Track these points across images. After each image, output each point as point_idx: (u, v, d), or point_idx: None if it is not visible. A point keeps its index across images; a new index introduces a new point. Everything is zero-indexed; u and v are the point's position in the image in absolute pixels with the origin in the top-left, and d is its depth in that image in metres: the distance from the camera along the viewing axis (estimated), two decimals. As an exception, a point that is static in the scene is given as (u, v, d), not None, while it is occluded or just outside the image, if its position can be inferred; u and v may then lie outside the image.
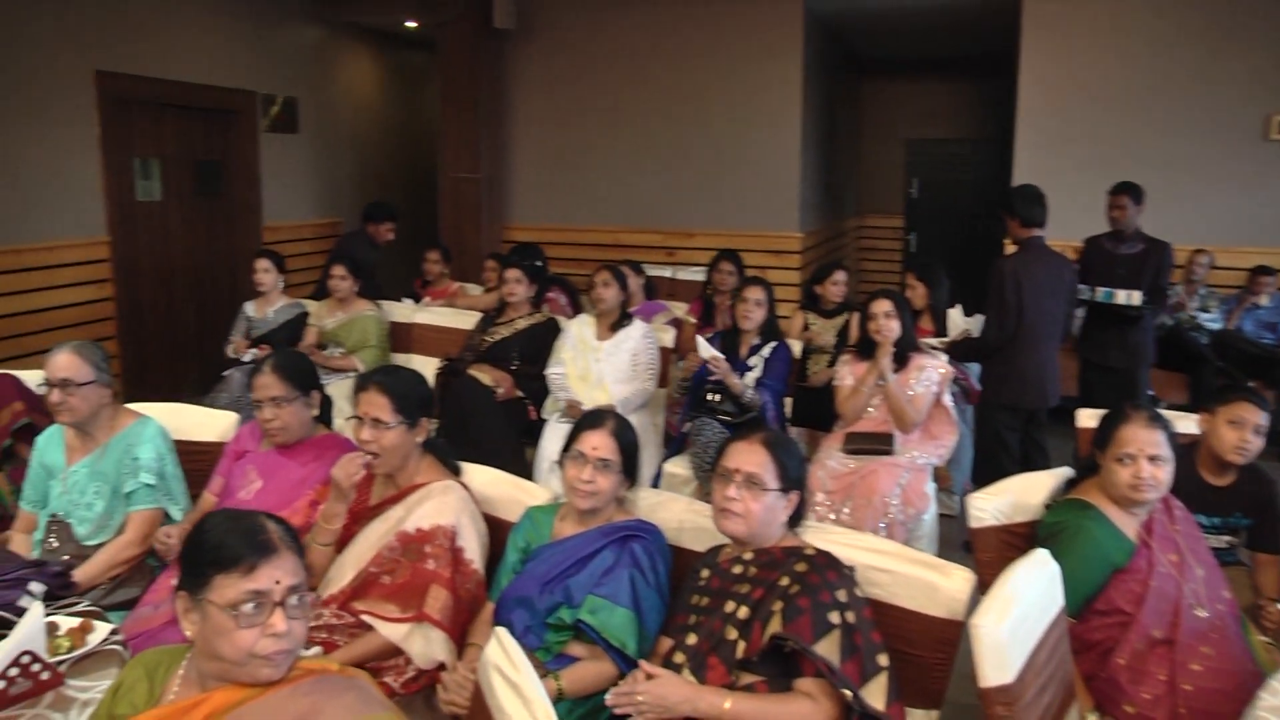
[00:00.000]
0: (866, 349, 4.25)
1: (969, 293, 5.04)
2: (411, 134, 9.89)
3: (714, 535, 2.38)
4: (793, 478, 2.29)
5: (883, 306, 4.17)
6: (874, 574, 2.28)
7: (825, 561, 2.19)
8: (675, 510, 2.63)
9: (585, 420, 2.57)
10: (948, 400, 4.28)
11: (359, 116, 8.97)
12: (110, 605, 2.88)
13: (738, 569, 2.27)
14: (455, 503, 2.59)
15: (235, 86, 7.27)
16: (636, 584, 2.37)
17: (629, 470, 2.52)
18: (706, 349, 4.34)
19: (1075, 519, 2.57)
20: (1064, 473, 2.86)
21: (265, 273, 5.54)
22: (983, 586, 2.39)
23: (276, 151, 7.73)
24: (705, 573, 2.34)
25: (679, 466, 4.51)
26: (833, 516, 3.94)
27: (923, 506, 3.98)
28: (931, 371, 4.20)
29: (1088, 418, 3.45)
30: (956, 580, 2.21)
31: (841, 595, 2.11)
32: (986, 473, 4.70)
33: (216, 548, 1.56)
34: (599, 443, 2.46)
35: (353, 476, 2.57)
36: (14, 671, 1.98)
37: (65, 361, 2.92)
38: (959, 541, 4.38)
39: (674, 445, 4.70)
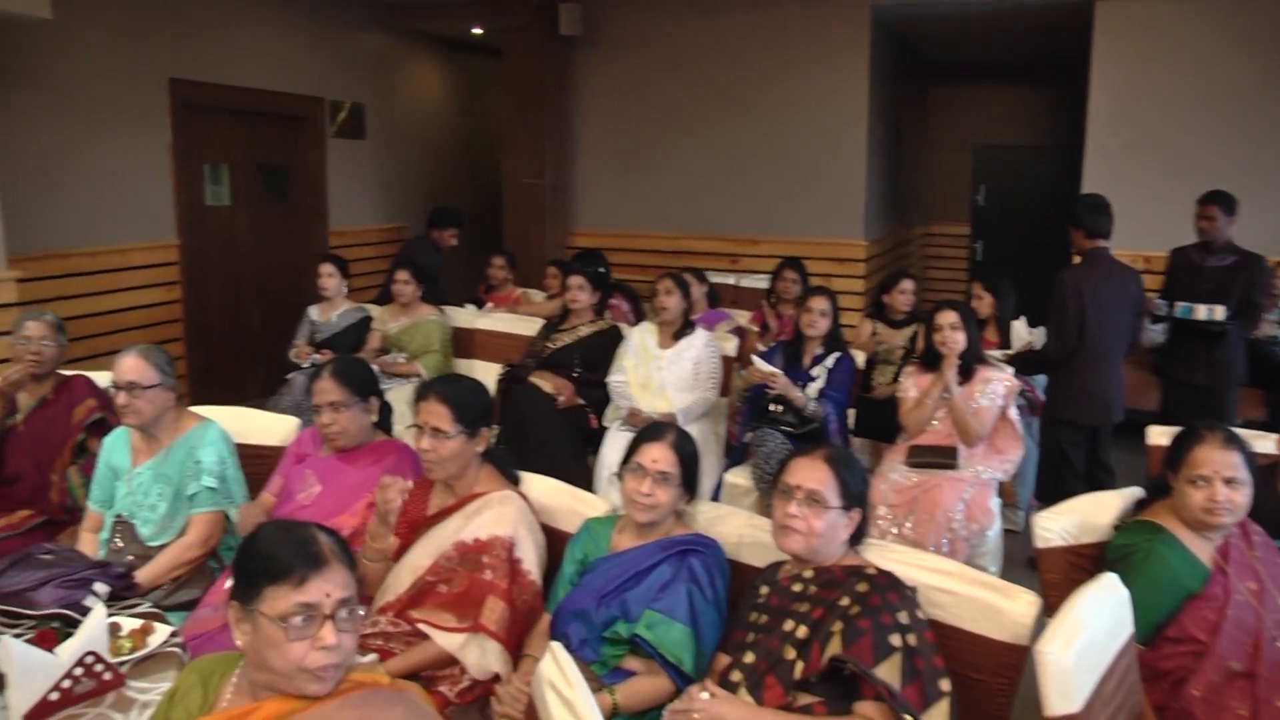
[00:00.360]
0: (931, 360, 4.17)
1: (1036, 304, 4.91)
2: (476, 139, 9.96)
3: (774, 551, 2.34)
4: (855, 495, 2.24)
5: (948, 318, 4.08)
6: (936, 594, 2.22)
7: (887, 582, 2.14)
8: (735, 524, 2.59)
9: (645, 432, 2.54)
10: (1013, 414, 4.18)
11: (425, 122, 9.06)
12: (171, 606, 2.91)
13: (797, 587, 2.22)
14: (513, 513, 2.57)
15: (304, 93, 7.39)
16: (694, 599, 2.33)
17: (689, 483, 2.49)
18: (764, 365, 4.31)
19: (1145, 541, 2.48)
20: (1133, 493, 2.77)
21: (329, 277, 5.58)
22: (1048, 608, 2.32)
23: (343, 157, 7.83)
24: (764, 590, 2.30)
25: (740, 477, 4.46)
26: (895, 531, 3.87)
27: (987, 522, 3.89)
28: (997, 384, 4.11)
29: (1159, 435, 3.33)
30: (1021, 603, 2.15)
31: (903, 617, 2.05)
32: (1051, 489, 4.61)
33: (268, 559, 1.56)
34: (659, 455, 2.43)
35: (391, 503, 2.56)
36: (79, 671, 2.02)
37: (131, 365, 2.95)
38: (1023, 558, 4.26)
39: (735, 455, 4.65)
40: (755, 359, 4.39)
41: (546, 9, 7.40)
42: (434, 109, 9.27)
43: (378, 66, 8.26)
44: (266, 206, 7.38)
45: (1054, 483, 4.62)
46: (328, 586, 1.55)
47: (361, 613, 1.61)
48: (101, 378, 3.91)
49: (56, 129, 5.57)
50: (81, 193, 5.75)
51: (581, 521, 2.67)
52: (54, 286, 5.57)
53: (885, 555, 2.33)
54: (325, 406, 2.95)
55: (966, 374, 4.10)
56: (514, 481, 2.77)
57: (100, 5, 5.73)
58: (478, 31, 8.67)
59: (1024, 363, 4.80)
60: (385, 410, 3.12)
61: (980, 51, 9.70)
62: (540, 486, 2.84)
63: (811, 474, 2.22)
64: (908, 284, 5.52)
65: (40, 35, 5.28)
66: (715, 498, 4.48)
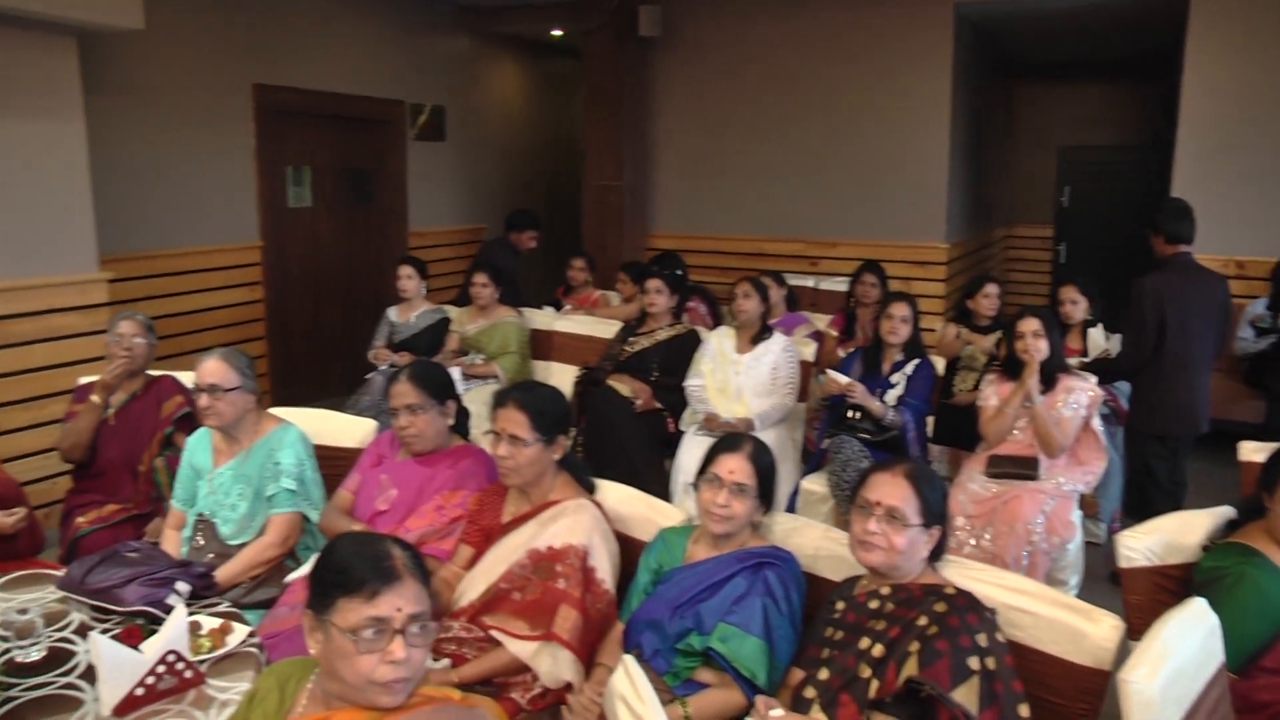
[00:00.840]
0: (1013, 368, 4.07)
1: (1120, 308, 4.76)
2: (555, 140, 10.01)
3: (850, 564, 2.30)
4: (935, 513, 2.19)
5: (1031, 325, 3.98)
6: (1015, 615, 2.16)
7: (965, 603, 2.08)
8: (811, 537, 2.54)
9: (722, 443, 2.51)
10: (1097, 424, 4.06)
11: (504, 123, 9.13)
12: (249, 604, 2.96)
13: (874, 604, 2.18)
14: (588, 522, 2.56)
15: (385, 96, 7.49)
16: (769, 613, 2.30)
17: (765, 495, 2.46)
18: (840, 377, 4.26)
19: (1237, 565, 2.38)
20: (1224, 512, 2.67)
21: (408, 279, 5.64)
22: (1132, 630, 2.26)
23: (423, 159, 7.92)
24: (840, 605, 2.26)
25: (817, 484, 4.41)
26: (973, 542, 3.79)
27: (1068, 535, 3.79)
28: (1080, 394, 3.99)
29: (1253, 451, 3.20)
30: (1104, 627, 2.07)
31: (982, 640, 2.00)
32: (1135, 502, 4.52)
33: (342, 571, 1.57)
34: (735, 466, 2.40)
35: None
36: (162, 669, 2.06)
37: (213, 367, 3.00)
38: (1104, 573, 4.18)
39: (812, 461, 4.60)
40: (830, 371, 4.33)
41: (626, 10, 7.40)
42: (513, 110, 9.33)
43: (458, 69, 8.34)
44: (347, 208, 7.50)
45: (1139, 496, 4.50)
46: (399, 601, 1.55)
47: (434, 626, 1.60)
48: (187, 377, 4.01)
49: (146, 135, 5.73)
50: (169, 196, 5.91)
51: (656, 530, 2.65)
52: (142, 286, 5.74)
53: (964, 573, 2.27)
54: (402, 409, 2.97)
55: (1049, 383, 3.99)
56: (589, 489, 2.76)
57: (189, 16, 5.88)
58: (557, 33, 8.70)
59: (1100, 370, 4.66)
60: (462, 414, 3.13)
61: (1068, 48, 9.48)
62: (615, 494, 2.83)
63: (892, 490, 2.18)
64: (992, 288, 5.39)
65: (132, 46, 5.44)
66: (792, 504, 4.44)
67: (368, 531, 1.81)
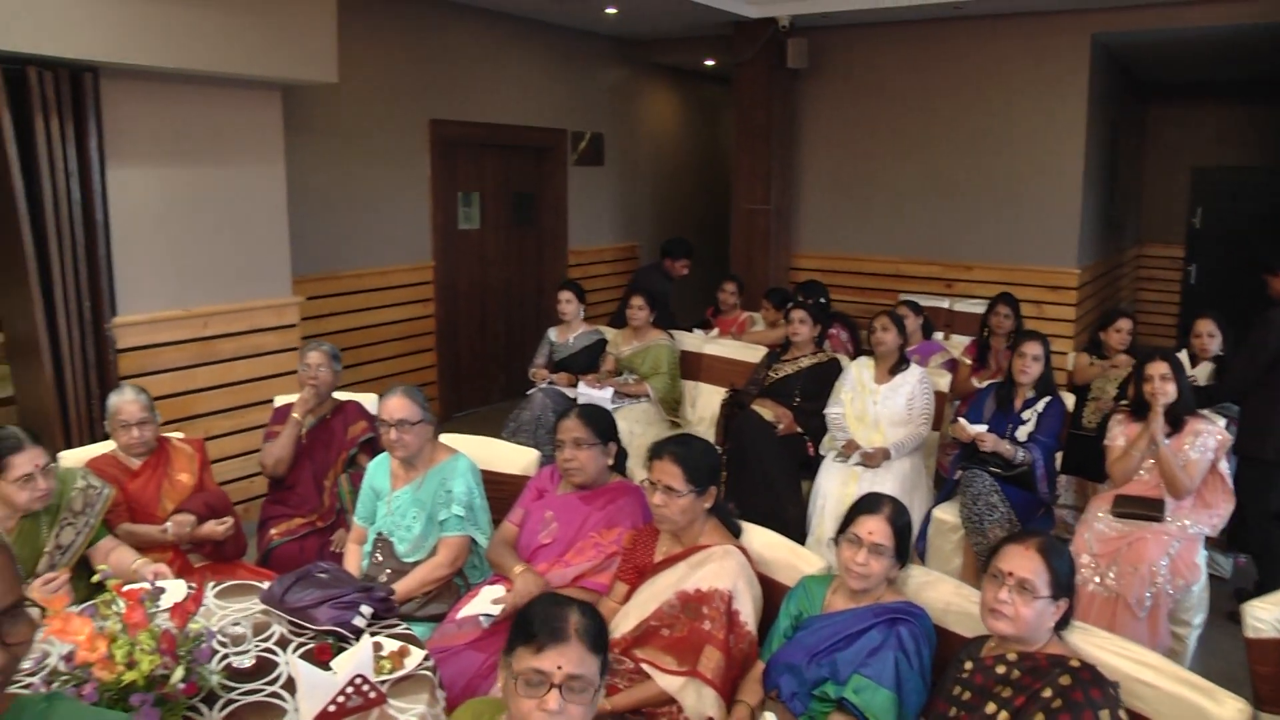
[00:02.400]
0: (1140, 409, 4.04)
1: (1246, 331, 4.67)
2: (704, 162, 10.23)
3: (979, 621, 2.40)
4: (1063, 585, 2.27)
5: (1159, 369, 3.95)
6: (1138, 687, 2.21)
7: (1090, 677, 2.15)
8: (943, 591, 2.66)
9: (863, 504, 2.66)
10: (1224, 468, 3.99)
11: (656, 147, 9.41)
12: (422, 617, 3.26)
13: (1001, 669, 2.27)
14: (734, 568, 2.73)
15: (549, 125, 7.86)
16: (900, 667, 2.43)
17: (901, 553, 2.59)
18: (970, 427, 4.33)
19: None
20: None
21: (567, 303, 5.93)
22: (1259, 701, 2.26)
23: (582, 183, 8.27)
24: (968, 665, 2.35)
25: (948, 513, 4.49)
26: (1096, 580, 3.78)
27: (1192, 579, 3.76)
28: (1208, 437, 3.93)
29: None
30: (1228, 710, 2.09)
31: (1105, 716, 2.07)
32: (1246, 536, 4.52)
33: (525, 623, 1.79)
34: (875, 528, 2.55)
35: None
36: (350, 690, 2.32)
37: (398, 404, 3.30)
38: (1226, 610, 4.17)
39: (945, 490, 4.65)
40: (962, 420, 4.42)
41: (775, 43, 7.55)
42: (665, 134, 9.60)
43: (616, 98, 8.66)
44: (512, 229, 7.89)
45: (1243, 524, 4.46)
46: (561, 659, 1.73)
47: (597, 691, 1.78)
48: (368, 400, 4.39)
49: (334, 168, 6.22)
50: (353, 222, 6.40)
51: (798, 575, 2.81)
52: (328, 304, 6.25)
53: (1089, 640, 2.34)
54: (569, 442, 3.21)
55: (1176, 425, 3.96)
56: (736, 533, 2.93)
57: (374, 64, 6.38)
58: (710, 63, 8.92)
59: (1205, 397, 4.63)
60: (621, 455, 3.35)
61: (1203, 69, 9.23)
62: (761, 539, 2.99)
63: (1024, 563, 2.27)
64: (1125, 323, 5.36)
65: (326, 94, 5.92)
66: (923, 532, 4.52)
67: (560, 594, 2.04)
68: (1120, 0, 6.61)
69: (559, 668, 1.72)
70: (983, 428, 4.36)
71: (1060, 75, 7.08)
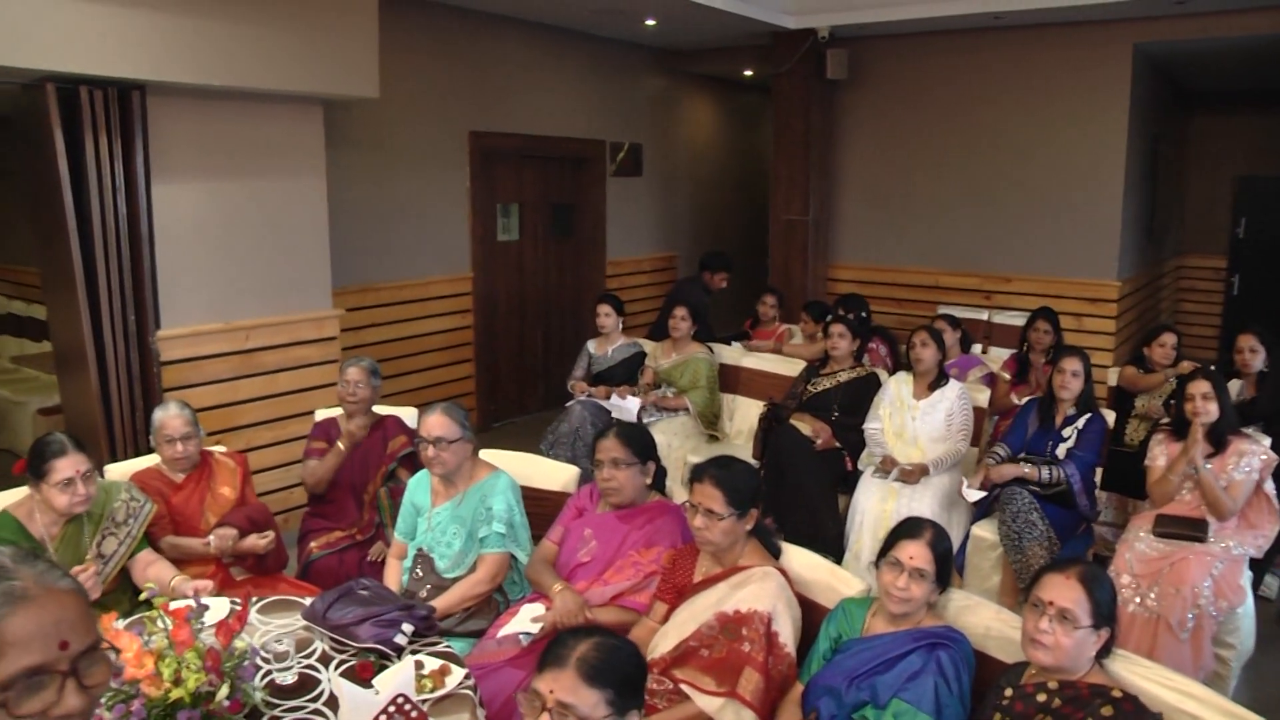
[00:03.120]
0: (1181, 429, 3.99)
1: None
2: (742, 172, 10.23)
3: (1019, 647, 2.37)
4: (1105, 615, 2.25)
5: (1201, 388, 3.89)
6: (1180, 717, 2.17)
7: (1133, 709, 2.12)
8: (983, 616, 2.63)
9: (904, 528, 2.64)
10: (1269, 488, 3.91)
11: (694, 157, 9.42)
12: (461, 633, 3.27)
13: (1041, 697, 2.24)
14: (773, 589, 2.72)
15: (587, 136, 7.89)
16: (940, 692, 2.41)
17: (942, 577, 2.56)
18: (1006, 471, 4.36)
19: None
20: None
21: (606, 316, 5.95)
22: None
23: (620, 193, 8.28)
24: (1009, 692, 2.33)
25: (987, 530, 4.46)
26: (1137, 600, 3.72)
27: (1236, 601, 3.70)
28: (1253, 458, 3.86)
29: None
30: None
31: None
32: None
33: (549, 644, 1.86)
34: (916, 553, 2.53)
35: None
36: (391, 709, 2.33)
37: (437, 421, 3.32)
38: (1272, 633, 4.12)
39: (983, 507, 4.60)
40: (989, 462, 4.44)
41: (814, 53, 7.53)
42: (703, 144, 9.60)
43: (654, 108, 8.68)
44: (550, 240, 7.93)
45: None
46: (554, 685, 1.78)
47: None
48: (407, 414, 4.42)
49: (375, 181, 6.28)
50: (393, 234, 6.45)
51: (837, 597, 2.80)
52: (368, 315, 6.31)
53: (1132, 669, 2.31)
54: (607, 462, 3.21)
55: (1220, 445, 3.89)
56: (776, 554, 2.92)
57: (414, 77, 6.43)
58: (748, 73, 8.91)
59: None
60: (660, 473, 3.34)
61: (1247, 78, 9.06)
62: (800, 560, 2.98)
63: (1065, 592, 2.24)
64: (1168, 338, 5.30)
65: (366, 107, 5.98)
66: (962, 549, 4.48)
67: (594, 627, 2.07)
68: (1163, 10, 6.54)
69: (550, 691, 1.76)
70: (1011, 468, 4.39)
71: (1101, 85, 7.02)
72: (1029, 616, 2.29)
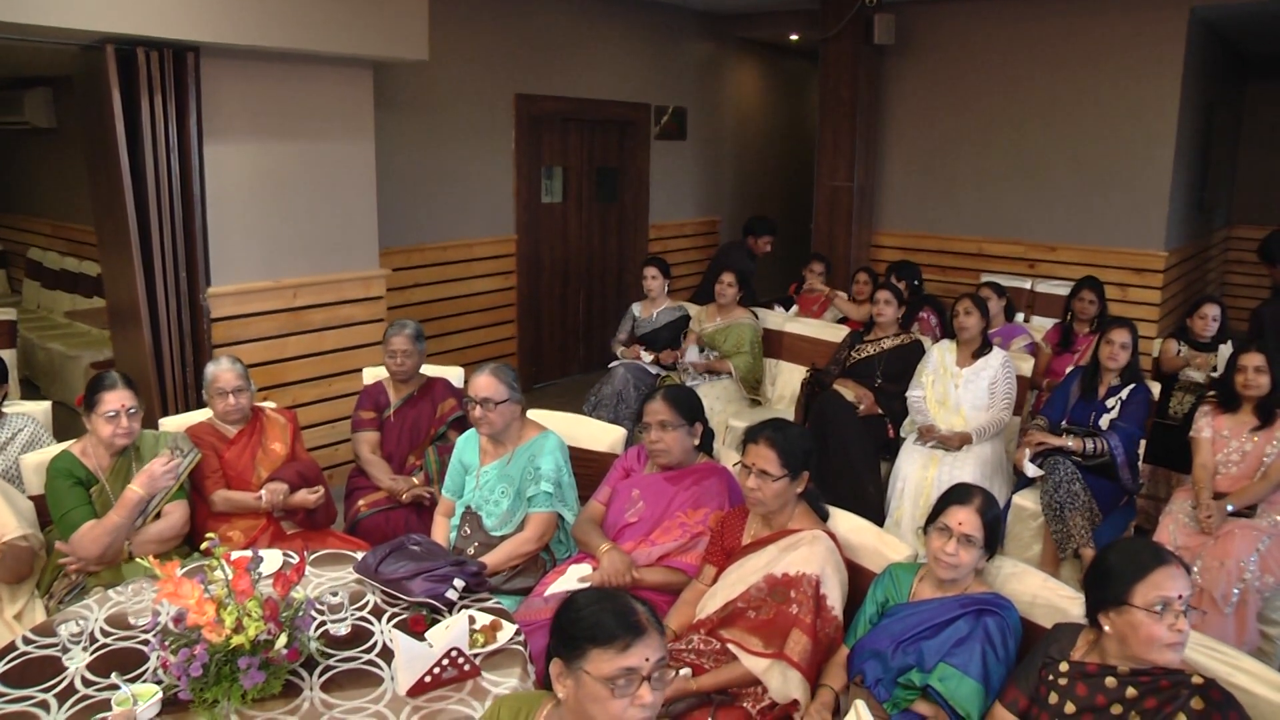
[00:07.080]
0: (1228, 400, 3.94)
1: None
2: (787, 137, 10.14)
3: (1064, 613, 2.37)
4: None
5: (1254, 360, 3.85)
6: (1233, 692, 2.12)
7: (1221, 698, 2.04)
8: (1030, 584, 2.63)
9: (954, 494, 2.64)
10: None
11: (739, 121, 9.34)
12: (509, 590, 3.31)
13: (1110, 681, 2.17)
14: (822, 553, 2.73)
15: (632, 100, 7.85)
16: (987, 659, 2.42)
17: (990, 544, 2.56)
18: (1047, 438, 4.36)
19: None
20: None
21: (653, 279, 5.95)
22: None
23: (664, 157, 8.25)
24: (1064, 668, 2.27)
25: (1029, 499, 4.45)
26: None
27: None
28: None
29: None
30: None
31: None
32: None
33: (593, 625, 1.74)
34: (965, 519, 2.53)
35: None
36: (445, 662, 2.38)
37: (485, 382, 3.35)
38: None
39: (1025, 477, 4.56)
40: (1030, 437, 4.43)
41: (861, 19, 7.43)
42: (750, 109, 9.51)
43: (699, 72, 8.61)
44: (594, 203, 7.92)
45: None
46: (647, 652, 1.72)
47: (672, 671, 1.77)
48: (454, 374, 4.46)
49: (422, 143, 6.30)
50: (439, 196, 6.48)
51: (884, 561, 2.81)
52: (413, 275, 6.36)
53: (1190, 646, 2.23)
54: (654, 425, 3.24)
55: (1268, 418, 3.85)
56: (824, 518, 2.93)
57: (462, 40, 6.43)
58: (795, 38, 8.80)
59: None
60: (708, 435, 3.35)
61: None
62: (847, 524, 2.99)
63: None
64: (1210, 309, 5.18)
65: (415, 70, 6.00)
66: (1003, 517, 4.44)
67: (605, 589, 2.00)
68: (1224, -28, 6.36)
69: (647, 660, 1.71)
70: (1049, 436, 4.37)
71: (1155, 52, 6.83)
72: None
